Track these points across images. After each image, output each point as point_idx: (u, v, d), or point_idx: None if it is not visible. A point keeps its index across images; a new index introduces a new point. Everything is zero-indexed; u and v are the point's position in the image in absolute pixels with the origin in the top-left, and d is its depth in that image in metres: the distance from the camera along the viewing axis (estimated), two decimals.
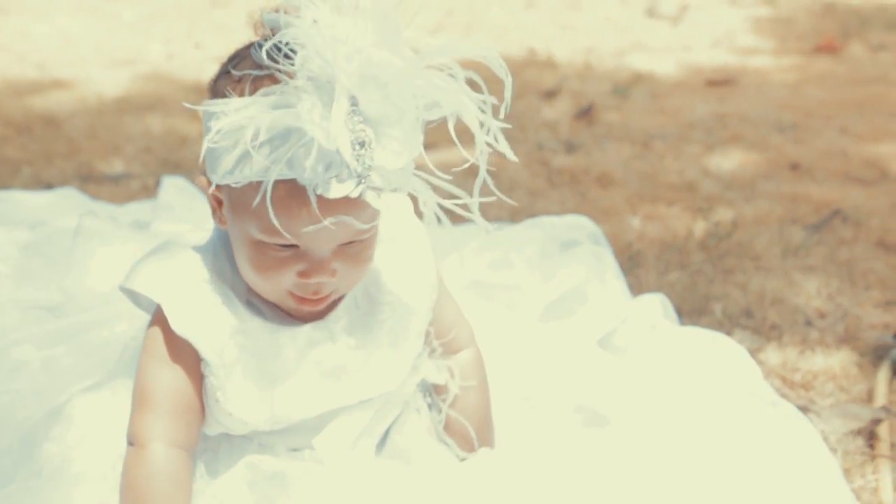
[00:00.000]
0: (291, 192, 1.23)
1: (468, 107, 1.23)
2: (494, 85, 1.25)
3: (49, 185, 2.93)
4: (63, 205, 2.47)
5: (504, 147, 1.25)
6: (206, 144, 1.22)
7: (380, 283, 1.47)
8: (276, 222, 1.22)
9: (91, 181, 3.03)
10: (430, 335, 1.57)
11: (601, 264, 2.02)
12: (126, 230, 1.91)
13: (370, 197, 1.22)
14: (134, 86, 4.17)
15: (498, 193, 1.27)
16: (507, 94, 1.24)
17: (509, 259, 1.99)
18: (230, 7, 5.94)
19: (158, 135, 3.47)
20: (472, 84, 1.24)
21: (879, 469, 1.77)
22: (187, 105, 1.25)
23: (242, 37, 1.31)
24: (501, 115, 1.25)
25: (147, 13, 5.78)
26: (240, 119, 1.19)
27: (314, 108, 1.17)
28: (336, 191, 1.20)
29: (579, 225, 2.20)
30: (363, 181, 1.20)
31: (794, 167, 3.33)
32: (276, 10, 1.22)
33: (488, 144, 1.25)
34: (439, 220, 1.37)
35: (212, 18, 5.70)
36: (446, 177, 1.25)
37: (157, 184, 2.89)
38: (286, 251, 1.30)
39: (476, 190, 1.26)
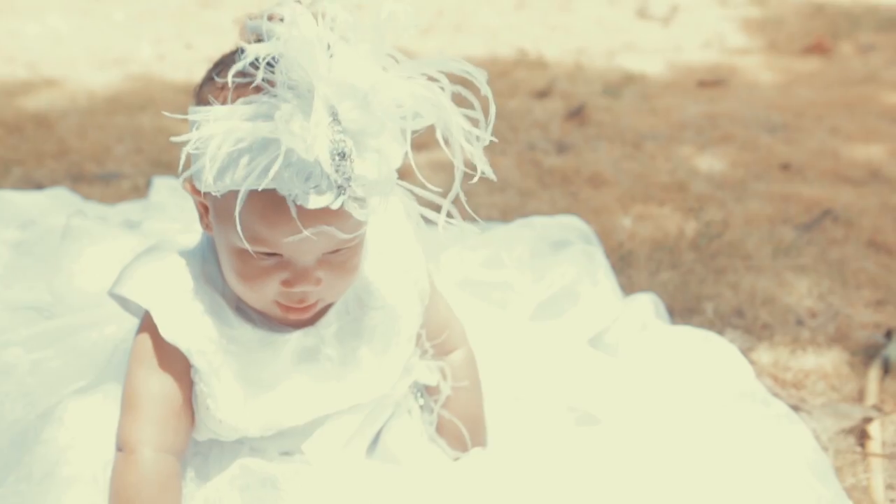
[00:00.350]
0: (272, 202, 1.22)
1: (452, 118, 1.22)
2: (479, 92, 1.25)
3: (40, 185, 2.91)
4: (54, 204, 2.46)
5: (485, 165, 1.24)
6: (184, 153, 1.21)
7: (371, 288, 1.47)
8: (241, 233, 1.21)
9: (82, 181, 3.02)
10: (421, 337, 1.57)
11: (593, 264, 2.03)
12: (115, 229, 1.90)
13: (351, 207, 1.21)
14: (125, 86, 4.16)
15: (469, 210, 1.27)
16: (492, 111, 1.23)
17: (500, 258, 1.99)
18: (221, 8, 5.93)
19: (149, 135, 3.46)
20: (460, 100, 1.23)
21: (871, 468, 1.77)
22: (167, 114, 1.25)
23: (233, 38, 1.31)
24: (488, 129, 1.24)
25: (137, 14, 5.77)
26: (217, 130, 1.18)
27: (293, 117, 1.16)
28: (315, 202, 1.20)
29: (571, 225, 2.21)
30: (343, 192, 1.20)
31: (785, 167, 3.33)
32: (261, 17, 1.21)
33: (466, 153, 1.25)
34: (425, 221, 1.37)
35: (202, 19, 5.68)
36: (436, 189, 1.25)
37: (148, 184, 2.88)
38: (270, 260, 1.30)
39: (449, 199, 1.25)
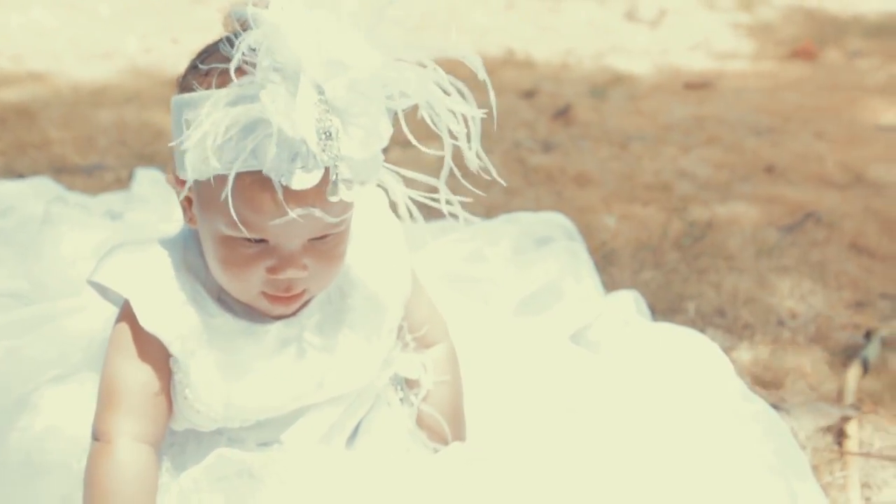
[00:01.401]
0: (258, 184, 1.21)
1: (438, 96, 1.22)
2: (473, 85, 1.25)
3: (21, 176, 2.90)
4: (35, 193, 2.44)
5: (475, 158, 1.24)
6: (179, 146, 1.21)
7: (353, 278, 1.46)
8: (233, 214, 1.20)
9: (64, 172, 3.00)
10: (403, 330, 1.56)
11: (576, 260, 2.02)
12: (95, 217, 1.89)
13: (338, 188, 1.21)
14: (110, 79, 4.14)
15: (471, 188, 1.26)
16: (491, 97, 1.22)
17: (483, 253, 1.99)
18: (208, 3, 5.91)
19: (134, 128, 3.44)
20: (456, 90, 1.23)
21: (848, 466, 1.78)
22: (157, 120, 1.25)
23: (220, 32, 1.30)
24: (483, 111, 1.24)
25: (124, 8, 5.75)
26: (205, 125, 1.18)
27: (279, 97, 1.16)
28: (301, 181, 1.19)
29: (554, 221, 2.20)
30: (330, 171, 1.20)
31: (770, 170, 3.35)
32: (245, 3, 1.21)
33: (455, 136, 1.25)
34: (411, 215, 1.36)
35: (189, 14, 5.67)
36: (430, 166, 1.24)
37: (131, 176, 2.86)
38: (255, 246, 1.29)
39: (443, 176, 1.24)
